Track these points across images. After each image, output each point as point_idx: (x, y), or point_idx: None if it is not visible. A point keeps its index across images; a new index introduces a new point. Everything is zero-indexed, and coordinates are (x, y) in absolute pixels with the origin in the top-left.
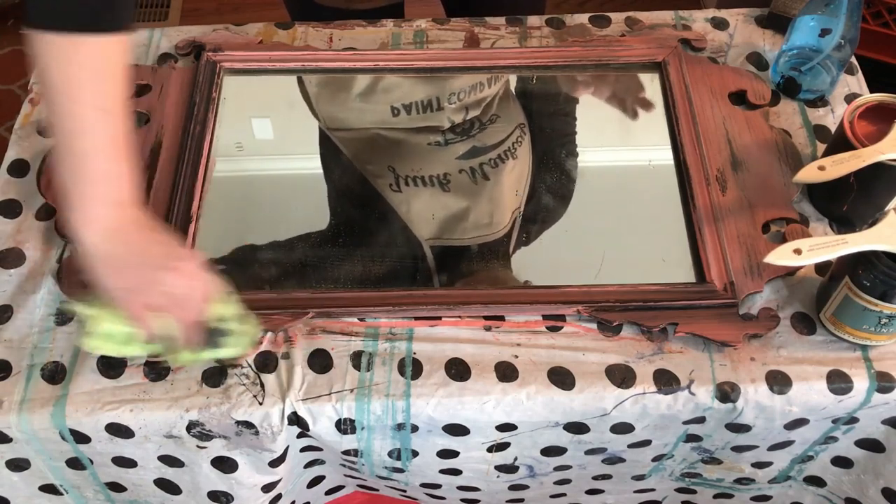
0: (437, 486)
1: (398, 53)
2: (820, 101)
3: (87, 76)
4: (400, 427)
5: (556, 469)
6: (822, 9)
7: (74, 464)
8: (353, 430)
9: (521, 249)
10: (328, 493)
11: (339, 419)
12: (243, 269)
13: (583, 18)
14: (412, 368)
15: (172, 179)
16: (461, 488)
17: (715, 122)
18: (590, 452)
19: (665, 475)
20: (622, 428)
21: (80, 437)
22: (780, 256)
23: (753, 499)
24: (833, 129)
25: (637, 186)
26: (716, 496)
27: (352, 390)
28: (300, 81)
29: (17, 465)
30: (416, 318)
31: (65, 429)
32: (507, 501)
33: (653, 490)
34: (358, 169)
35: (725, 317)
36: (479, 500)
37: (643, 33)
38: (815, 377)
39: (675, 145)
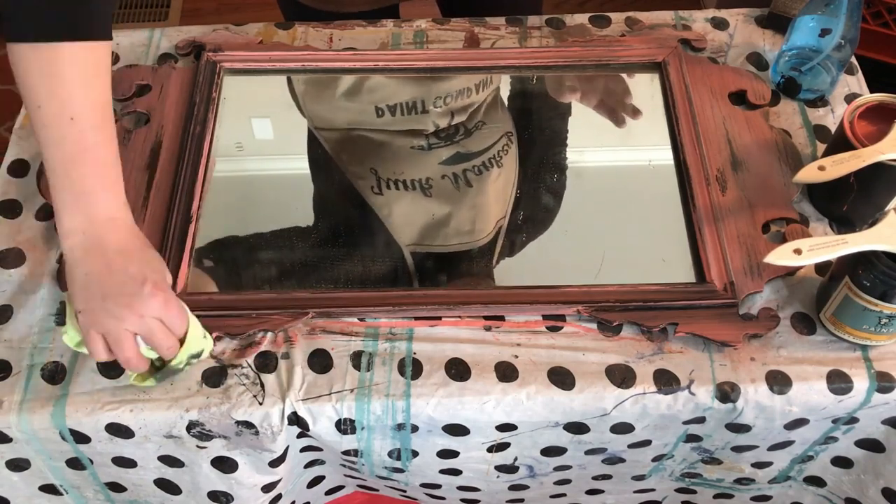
0: (437, 487)
1: (398, 53)
2: (820, 101)
3: (67, 85)
4: (400, 427)
5: (556, 469)
6: (822, 9)
7: (74, 464)
8: (353, 430)
9: (513, 255)
10: (328, 493)
11: (339, 419)
12: (223, 263)
13: (583, 18)
14: (412, 368)
15: (172, 179)
16: (461, 488)
17: (715, 122)
18: (590, 452)
19: (665, 475)
20: (622, 428)
21: (80, 437)
22: (780, 256)
23: (753, 499)
24: (833, 129)
25: (637, 186)
26: (716, 496)
27: (352, 390)
28: (289, 80)
29: (17, 465)
30: (416, 318)
31: (65, 429)
32: (507, 501)
33: (653, 490)
34: (342, 170)
35: (725, 317)
36: (479, 500)
37: (643, 33)
38: (815, 377)
39: (675, 145)
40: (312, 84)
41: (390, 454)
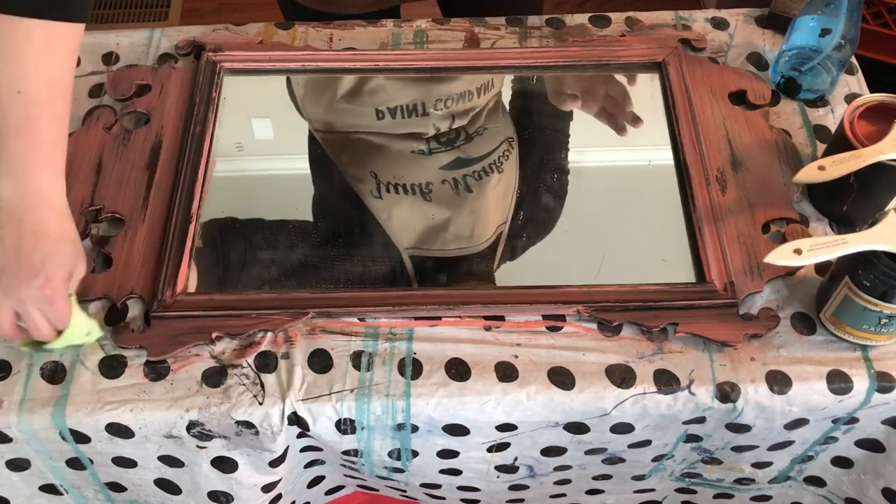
0: (437, 487)
1: (398, 53)
2: (820, 101)
3: (21, 60)
4: (400, 427)
5: (556, 469)
6: (822, 9)
7: (74, 464)
8: (353, 430)
9: (510, 259)
10: (328, 493)
11: (339, 419)
12: (222, 246)
13: (583, 18)
14: (412, 368)
15: (172, 179)
16: (461, 488)
17: (715, 122)
18: (590, 452)
19: (665, 475)
20: (622, 428)
21: (80, 437)
22: (780, 256)
23: (753, 499)
24: (833, 129)
25: (637, 186)
26: (716, 496)
27: (352, 390)
28: (288, 82)
29: (17, 465)
30: (416, 318)
31: (65, 429)
32: (507, 501)
33: (653, 490)
34: (342, 172)
35: (725, 317)
36: (479, 500)
37: (643, 33)
38: (815, 377)
39: (675, 145)
40: (312, 86)
41: (390, 454)
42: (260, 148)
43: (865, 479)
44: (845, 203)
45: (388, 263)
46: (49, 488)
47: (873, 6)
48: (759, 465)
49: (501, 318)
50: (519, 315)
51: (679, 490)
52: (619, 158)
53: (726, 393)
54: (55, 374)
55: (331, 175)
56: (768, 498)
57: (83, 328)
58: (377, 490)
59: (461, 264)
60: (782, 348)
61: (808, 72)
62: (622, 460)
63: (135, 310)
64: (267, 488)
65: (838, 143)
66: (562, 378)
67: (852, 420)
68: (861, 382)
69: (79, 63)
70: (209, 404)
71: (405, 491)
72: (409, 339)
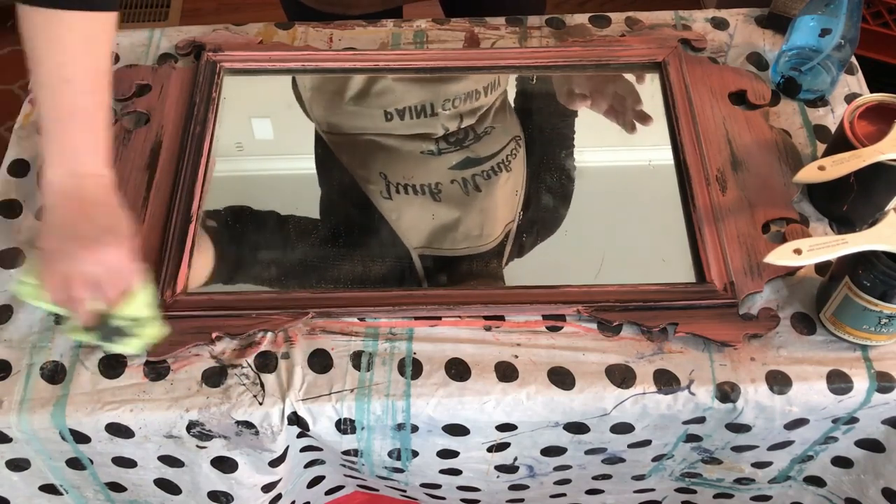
0: (437, 487)
1: (398, 54)
2: (820, 101)
3: (66, 50)
4: (400, 427)
5: (556, 469)
6: (822, 9)
7: (74, 464)
8: (353, 430)
9: (515, 261)
10: (328, 493)
11: (339, 419)
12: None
13: (583, 18)
14: (412, 368)
15: (172, 179)
16: (461, 488)
17: (715, 122)
18: (590, 452)
19: (665, 475)
20: (622, 428)
21: (80, 437)
22: (780, 256)
23: (753, 499)
24: (833, 129)
25: (637, 186)
26: (716, 496)
27: (352, 390)
28: (294, 83)
29: (17, 465)
30: (416, 318)
31: (65, 429)
32: (507, 501)
33: (653, 490)
34: (350, 173)
35: (725, 317)
36: (479, 500)
37: (643, 33)
38: (815, 377)
39: (675, 145)
40: (320, 88)
41: (390, 454)
42: (260, 148)
43: (865, 479)
44: (845, 203)
45: (397, 263)
46: (49, 488)
47: (873, 6)
48: (759, 465)
49: (501, 318)
50: (519, 315)
51: (679, 490)
52: (619, 158)
53: (726, 393)
54: (55, 374)
55: (339, 176)
56: (768, 498)
57: (147, 301)
58: (377, 490)
59: (470, 263)
60: (782, 348)
61: (808, 72)
62: (622, 460)
63: None
64: (267, 488)
65: (838, 143)
66: (562, 378)
67: (852, 420)
68: (861, 382)
69: None
70: (209, 404)
71: (405, 491)
72: (409, 339)
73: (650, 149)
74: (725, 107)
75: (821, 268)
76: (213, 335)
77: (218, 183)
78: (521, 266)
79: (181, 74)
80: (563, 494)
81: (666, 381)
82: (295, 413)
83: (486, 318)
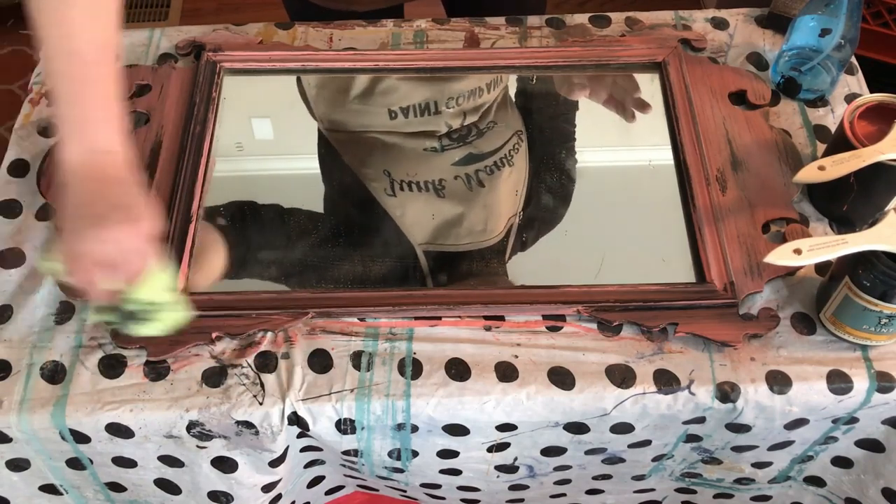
0: (437, 487)
1: (398, 53)
2: (820, 101)
3: (71, 22)
4: (400, 427)
5: (556, 469)
6: (822, 9)
7: (74, 464)
8: (353, 430)
9: (518, 255)
10: (328, 493)
11: (339, 419)
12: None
13: (583, 18)
14: (412, 368)
15: (172, 179)
16: (461, 488)
17: (715, 122)
18: (590, 452)
19: (665, 475)
20: (622, 428)
21: (80, 437)
22: (780, 256)
23: (753, 499)
24: (833, 129)
25: (637, 186)
26: (716, 496)
27: (352, 390)
28: (299, 81)
29: (17, 465)
30: (416, 318)
31: (65, 429)
32: (507, 501)
33: (653, 490)
34: (354, 172)
35: (725, 317)
36: (479, 500)
37: (643, 33)
38: (815, 377)
39: (675, 145)
40: (324, 87)
41: (390, 454)
42: (260, 148)
43: (865, 479)
44: (845, 203)
45: (402, 260)
46: (49, 488)
47: (873, 6)
48: (759, 465)
49: (501, 318)
50: (519, 315)
51: (679, 490)
52: (619, 158)
53: (726, 393)
54: (55, 374)
55: (343, 174)
56: (768, 498)
57: (165, 284)
58: (377, 490)
59: (474, 258)
60: (782, 348)
61: (808, 72)
62: (622, 460)
63: None
64: (267, 488)
65: (838, 143)
66: (562, 378)
67: (852, 420)
68: (861, 382)
69: None
70: (209, 404)
71: (405, 491)
72: (409, 339)
73: (650, 149)
74: (725, 107)
75: (821, 268)
76: (213, 335)
77: (218, 183)
78: (521, 265)
79: (181, 74)
80: (563, 494)
81: (666, 381)
82: (295, 413)
83: (486, 318)
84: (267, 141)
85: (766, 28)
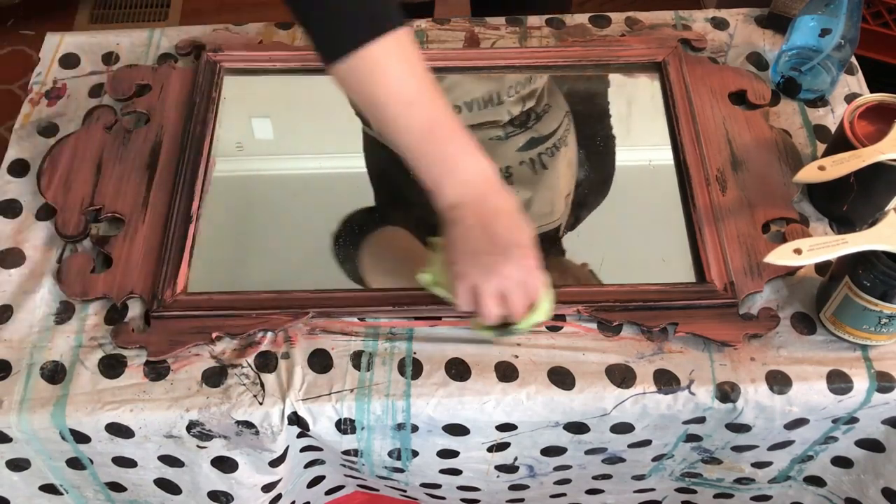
0: (438, 486)
1: None
2: (820, 101)
3: (396, 77)
4: (400, 427)
5: (556, 469)
6: (822, 9)
7: (74, 464)
8: (353, 430)
9: (577, 227)
10: (328, 493)
11: (339, 419)
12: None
13: (583, 18)
14: (412, 368)
15: (172, 179)
16: (461, 488)
17: (715, 122)
18: (590, 452)
19: (665, 475)
20: (622, 428)
21: (80, 437)
22: (780, 256)
23: (753, 499)
24: (833, 129)
25: (637, 186)
26: (716, 496)
27: (352, 390)
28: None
29: (17, 465)
30: (416, 318)
31: (65, 429)
32: (507, 501)
33: (653, 490)
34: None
35: (725, 317)
36: (479, 500)
37: (643, 33)
38: (815, 377)
39: (675, 145)
40: None
41: (390, 454)
42: (260, 148)
43: (865, 478)
44: (845, 203)
45: None
46: (49, 488)
47: (873, 6)
48: (759, 465)
49: None
50: None
51: (679, 490)
52: (620, 158)
53: (726, 393)
54: (55, 374)
55: (405, 177)
56: (768, 498)
57: (550, 304)
58: (377, 490)
59: (539, 241)
60: (782, 348)
61: (808, 72)
62: (622, 460)
63: (135, 310)
64: (267, 488)
65: (838, 143)
66: (562, 378)
67: (852, 420)
68: (861, 382)
69: (79, 63)
70: (209, 404)
71: (405, 491)
72: (409, 339)
73: (650, 149)
74: (725, 107)
75: (821, 268)
76: (213, 335)
77: (218, 183)
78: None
79: (181, 74)
80: (563, 494)
81: (666, 381)
82: (295, 413)
83: None
84: (267, 141)
85: (766, 28)
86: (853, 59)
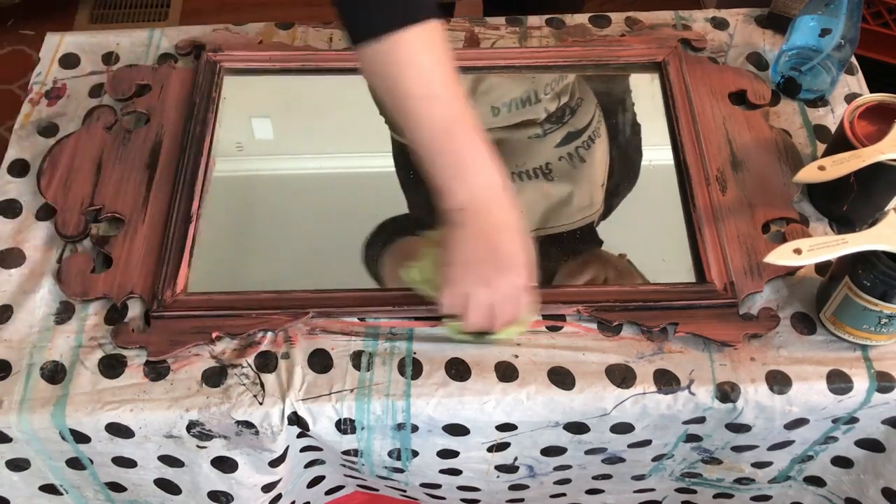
0: (437, 486)
1: None
2: (820, 101)
3: (422, 69)
4: (400, 427)
5: (556, 469)
6: (822, 9)
7: (74, 464)
8: (353, 430)
9: (609, 216)
10: (328, 493)
11: (339, 419)
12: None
13: (583, 18)
14: (412, 368)
15: (172, 179)
16: (461, 488)
17: (715, 122)
18: (590, 452)
19: (665, 475)
20: (622, 428)
21: (80, 437)
22: (780, 256)
23: (753, 499)
24: (833, 129)
25: (637, 186)
26: (716, 496)
27: (352, 390)
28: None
29: (17, 465)
30: (416, 318)
31: (65, 429)
32: (507, 501)
33: (653, 490)
34: None
35: (725, 317)
36: (479, 500)
37: (643, 33)
38: (815, 377)
39: (675, 145)
40: None
41: (390, 454)
42: (260, 148)
43: (865, 478)
44: (845, 203)
45: None
46: (49, 488)
47: (873, 6)
48: (759, 465)
49: None
50: None
51: (679, 490)
52: None
53: (726, 393)
54: (55, 374)
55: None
56: (768, 498)
57: (527, 321)
58: (377, 490)
59: (574, 234)
60: (782, 348)
61: (808, 72)
62: (622, 460)
63: (135, 310)
64: (267, 488)
65: (838, 143)
66: (562, 378)
67: (852, 420)
68: (861, 382)
69: (79, 63)
70: (209, 404)
71: (405, 491)
72: (409, 339)
73: (650, 149)
74: (725, 107)
75: (821, 268)
76: (213, 335)
77: (218, 183)
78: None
79: (181, 74)
80: (563, 494)
81: (666, 381)
82: (295, 413)
83: None
84: (267, 141)
85: (766, 28)
86: (853, 59)
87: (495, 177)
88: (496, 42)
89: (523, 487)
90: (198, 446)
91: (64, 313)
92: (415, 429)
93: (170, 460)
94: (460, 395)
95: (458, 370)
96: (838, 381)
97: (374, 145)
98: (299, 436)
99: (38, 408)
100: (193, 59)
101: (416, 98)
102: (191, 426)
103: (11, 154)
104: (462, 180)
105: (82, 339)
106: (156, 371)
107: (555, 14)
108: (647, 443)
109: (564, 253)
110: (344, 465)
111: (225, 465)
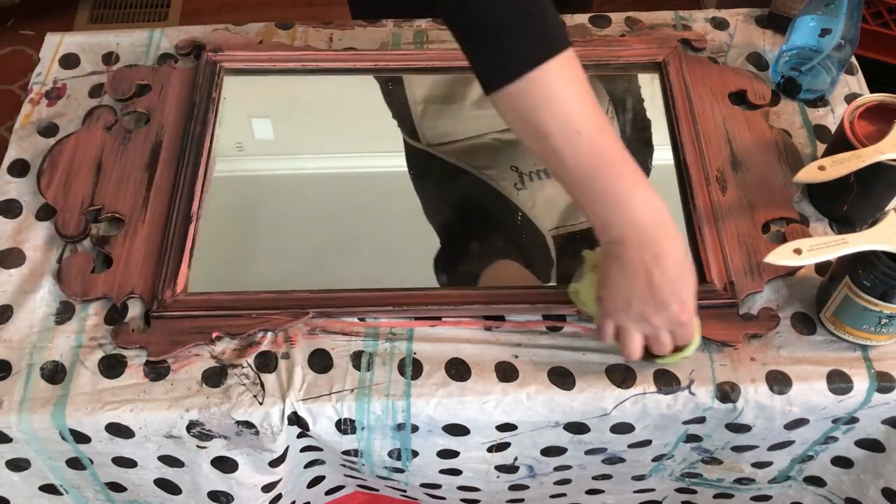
0: (438, 486)
1: (398, 54)
2: (820, 101)
3: (564, 103)
4: (400, 427)
5: (556, 469)
6: (822, 9)
7: (74, 464)
8: (353, 430)
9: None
10: (328, 493)
11: (339, 419)
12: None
13: (583, 18)
14: (412, 368)
15: (172, 179)
16: (461, 488)
17: (715, 122)
18: (590, 452)
19: (665, 475)
20: (622, 428)
21: (80, 437)
22: (780, 256)
23: (753, 499)
24: (833, 129)
25: None
26: (716, 496)
27: (352, 390)
28: (391, 103)
29: (17, 465)
30: (417, 318)
31: (65, 429)
32: (507, 501)
33: (653, 490)
34: (476, 176)
35: (725, 317)
36: (479, 500)
37: (643, 33)
38: (815, 377)
39: (675, 145)
40: (432, 100)
41: (390, 454)
42: (260, 148)
43: (865, 479)
44: (845, 203)
45: (532, 250)
46: (49, 488)
47: (873, 6)
48: (759, 465)
49: (501, 318)
50: (519, 315)
51: (679, 490)
52: None
53: (726, 393)
54: (55, 374)
55: (463, 182)
56: (768, 498)
57: (697, 339)
58: (377, 490)
59: (591, 232)
60: (782, 348)
61: (808, 72)
62: (622, 460)
63: (135, 310)
64: (267, 488)
65: (838, 143)
66: (562, 378)
67: (852, 420)
68: (861, 382)
69: (79, 63)
70: (209, 404)
71: (405, 491)
72: (409, 339)
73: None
74: (725, 107)
75: (821, 268)
76: (213, 335)
77: (218, 183)
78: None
79: (181, 74)
80: (564, 494)
81: (666, 382)
82: (295, 413)
83: (486, 318)
84: (267, 141)
85: (766, 28)
86: (853, 59)
87: (654, 204)
88: None
89: (523, 487)
90: (198, 446)
91: (64, 313)
92: (415, 429)
93: (170, 460)
94: (460, 395)
95: (458, 370)
96: (838, 382)
97: (375, 145)
98: (299, 436)
99: (38, 408)
100: (193, 59)
101: (561, 135)
102: (191, 426)
103: (11, 154)
104: (616, 214)
105: (82, 339)
106: (156, 371)
107: (563, 13)
108: (647, 443)
109: (581, 249)
110: (344, 466)
111: (225, 465)
